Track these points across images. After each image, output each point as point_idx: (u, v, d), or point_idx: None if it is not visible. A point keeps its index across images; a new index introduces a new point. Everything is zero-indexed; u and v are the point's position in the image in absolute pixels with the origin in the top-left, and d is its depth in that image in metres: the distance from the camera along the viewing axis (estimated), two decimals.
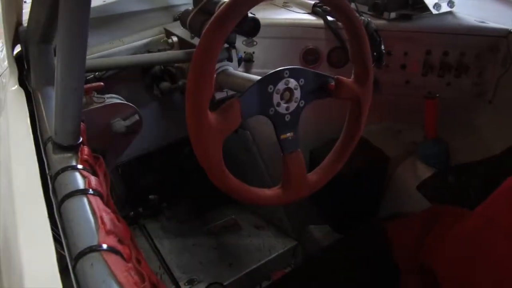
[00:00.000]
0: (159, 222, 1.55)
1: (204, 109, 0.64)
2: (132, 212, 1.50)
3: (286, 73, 0.75)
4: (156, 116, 1.18)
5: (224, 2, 0.86)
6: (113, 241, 0.48)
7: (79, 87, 0.59)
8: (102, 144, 0.82)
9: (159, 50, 1.08)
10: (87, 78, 0.99)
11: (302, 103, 0.77)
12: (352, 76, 0.84)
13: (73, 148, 0.62)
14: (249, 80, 0.87)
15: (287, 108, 0.76)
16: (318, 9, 1.19)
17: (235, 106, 0.69)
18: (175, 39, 1.07)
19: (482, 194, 1.03)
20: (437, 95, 1.06)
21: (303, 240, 1.44)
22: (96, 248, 0.45)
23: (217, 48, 0.63)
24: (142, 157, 1.28)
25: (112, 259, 0.45)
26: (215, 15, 0.64)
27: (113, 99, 0.84)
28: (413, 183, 1.13)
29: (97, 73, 0.99)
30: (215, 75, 0.95)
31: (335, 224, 1.31)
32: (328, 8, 1.17)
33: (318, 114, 1.11)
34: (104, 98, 0.82)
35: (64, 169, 0.58)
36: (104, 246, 0.46)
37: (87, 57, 0.94)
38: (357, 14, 0.79)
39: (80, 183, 0.56)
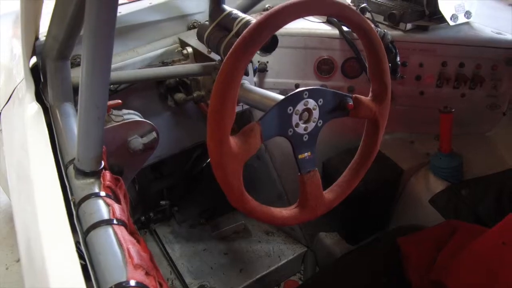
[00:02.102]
0: (170, 227, 1.56)
1: (226, 135, 0.64)
2: (143, 217, 1.51)
3: (306, 94, 0.74)
4: (168, 125, 1.18)
5: (242, 19, 0.86)
6: (141, 275, 0.48)
7: (102, 116, 0.59)
8: (119, 161, 0.82)
9: (173, 61, 1.08)
10: None
11: (320, 122, 0.77)
12: (370, 94, 0.84)
13: (95, 174, 0.63)
14: (265, 97, 0.86)
15: (305, 129, 0.75)
16: (333, 18, 1.18)
17: (256, 129, 0.69)
18: (190, 50, 1.07)
19: (496, 208, 1.03)
20: (453, 109, 1.06)
21: (313, 246, 1.45)
22: (126, 285, 0.46)
23: (241, 74, 0.63)
24: (154, 164, 1.29)
25: None
26: (238, 40, 0.63)
27: (130, 115, 0.84)
28: (426, 196, 1.13)
29: (112, 85, 0.99)
30: None
31: (345, 234, 1.32)
32: None
33: (330, 125, 1.12)
34: (122, 116, 0.82)
35: (88, 197, 0.59)
36: (133, 282, 0.47)
37: None
38: (376, 32, 0.78)
39: (104, 212, 0.57)
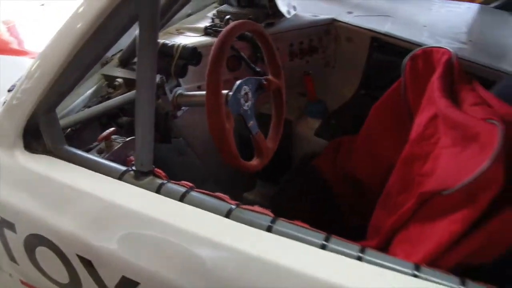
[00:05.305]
0: None
1: (224, 122, 0.98)
2: None
3: (243, 83, 1.13)
4: None
5: (179, 45, 1.18)
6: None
7: (152, 129, 0.85)
8: None
9: (108, 93, 1.29)
10: (66, 133, 1.16)
11: (253, 99, 1.17)
12: (270, 75, 1.28)
13: (152, 172, 0.88)
14: (201, 95, 1.21)
15: (248, 105, 1.15)
16: (210, 30, 1.55)
17: (229, 110, 1.05)
18: (120, 80, 1.30)
19: (354, 123, 1.61)
20: (311, 72, 1.59)
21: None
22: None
23: (221, 81, 0.98)
24: None
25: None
26: (210, 61, 0.98)
27: (120, 138, 1.07)
28: (311, 132, 1.65)
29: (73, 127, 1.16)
30: (176, 98, 1.26)
31: (266, 178, 1.75)
32: (219, 29, 1.55)
33: None
34: (123, 138, 1.04)
35: (161, 186, 0.84)
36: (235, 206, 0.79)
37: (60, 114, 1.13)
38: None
39: (181, 187, 0.84)
